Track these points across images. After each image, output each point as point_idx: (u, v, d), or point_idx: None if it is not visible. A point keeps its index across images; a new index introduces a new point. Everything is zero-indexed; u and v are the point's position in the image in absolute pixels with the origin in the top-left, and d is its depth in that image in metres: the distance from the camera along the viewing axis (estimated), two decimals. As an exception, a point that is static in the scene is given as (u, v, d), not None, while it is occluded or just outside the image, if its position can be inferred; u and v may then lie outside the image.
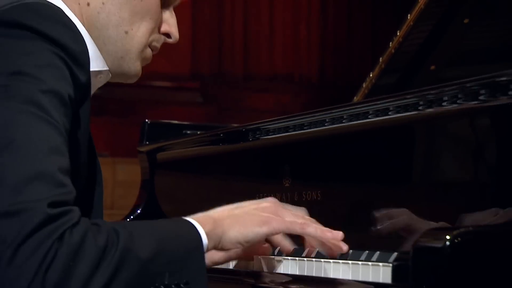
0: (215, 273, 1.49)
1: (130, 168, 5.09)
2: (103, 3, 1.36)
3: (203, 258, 1.24)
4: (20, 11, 1.20)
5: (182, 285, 1.20)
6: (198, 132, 2.22)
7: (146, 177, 2.25)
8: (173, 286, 1.19)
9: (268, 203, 1.37)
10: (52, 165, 1.14)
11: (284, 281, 1.47)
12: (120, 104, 6.15)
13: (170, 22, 1.45)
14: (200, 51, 7.26)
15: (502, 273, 1.20)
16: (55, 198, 1.12)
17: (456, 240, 1.17)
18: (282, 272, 1.48)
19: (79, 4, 1.36)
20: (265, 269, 1.50)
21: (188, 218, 1.27)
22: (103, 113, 5.97)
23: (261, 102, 7.22)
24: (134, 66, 1.42)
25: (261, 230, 1.32)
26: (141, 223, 1.27)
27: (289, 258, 1.49)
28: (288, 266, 1.47)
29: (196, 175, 2.13)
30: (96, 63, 1.37)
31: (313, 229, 1.37)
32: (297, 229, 1.37)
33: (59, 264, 1.09)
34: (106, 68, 1.39)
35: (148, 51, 1.43)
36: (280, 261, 1.49)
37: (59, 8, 1.27)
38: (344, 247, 1.38)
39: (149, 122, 2.28)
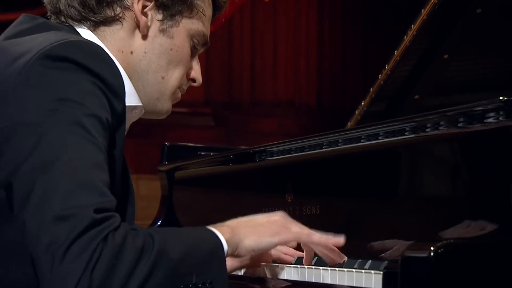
0: None
1: (151, 184, 5.08)
2: (145, 52, 1.39)
3: (224, 261, 1.24)
4: (66, 47, 1.22)
5: (207, 285, 1.20)
6: (211, 153, 2.21)
7: (165, 193, 2.24)
8: (200, 285, 1.19)
9: (277, 217, 1.37)
10: (96, 178, 1.15)
11: (284, 285, 1.47)
12: (142, 127, 6.15)
13: (196, 69, 1.48)
14: (213, 80, 7.28)
15: (479, 280, 1.20)
16: (99, 205, 1.13)
17: (439, 251, 1.16)
18: (284, 278, 1.47)
19: (122, 52, 1.39)
20: (268, 275, 1.50)
21: (209, 227, 1.28)
22: (128, 135, 5.95)
23: (266, 125, 7.22)
24: (167, 105, 1.45)
25: (273, 240, 1.33)
26: (171, 230, 1.28)
27: (291, 265, 1.49)
28: (290, 273, 1.46)
29: (209, 191, 2.13)
30: (132, 99, 1.39)
31: (318, 237, 1.38)
32: (304, 238, 1.38)
33: (104, 262, 1.10)
34: (140, 104, 1.41)
35: (178, 93, 1.46)
36: (282, 268, 1.48)
37: (100, 46, 1.30)
38: (342, 258, 1.40)
39: (168, 145, 2.27)
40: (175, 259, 1.17)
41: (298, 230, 1.37)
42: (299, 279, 1.44)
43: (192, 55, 1.46)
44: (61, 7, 1.38)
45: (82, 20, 1.37)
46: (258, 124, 7.24)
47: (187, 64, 1.44)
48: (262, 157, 1.86)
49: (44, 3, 1.42)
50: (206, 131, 6.91)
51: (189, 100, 6.90)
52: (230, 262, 1.35)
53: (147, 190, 5.59)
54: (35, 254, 1.14)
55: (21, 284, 1.20)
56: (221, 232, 1.26)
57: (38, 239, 1.12)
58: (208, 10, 1.45)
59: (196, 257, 1.20)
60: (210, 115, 7.16)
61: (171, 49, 1.41)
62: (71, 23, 1.38)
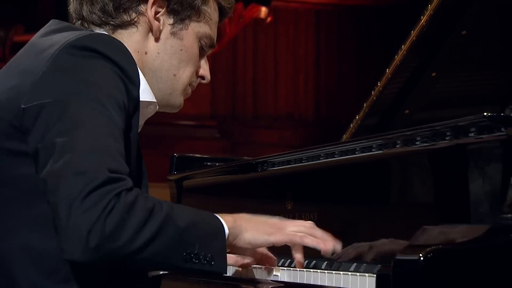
0: (218, 279, 1.50)
1: (161, 191, 5.07)
2: (158, 53, 1.44)
3: (225, 242, 1.25)
4: (91, 39, 1.28)
5: (208, 258, 1.21)
6: (217, 164, 2.21)
7: (174, 201, 2.24)
8: (201, 256, 1.20)
9: (276, 219, 1.40)
10: (112, 146, 1.19)
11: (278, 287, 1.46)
12: (153, 139, 6.15)
13: (204, 68, 1.51)
14: (218, 95, 7.29)
15: (465, 282, 1.20)
16: (114, 167, 1.16)
17: (428, 255, 1.16)
18: (279, 280, 1.47)
19: (138, 52, 1.43)
20: (263, 277, 1.49)
21: (219, 215, 1.29)
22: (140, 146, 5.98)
23: (267, 137, 7.22)
24: (179, 100, 1.49)
25: (270, 238, 1.35)
26: (180, 205, 1.30)
27: (288, 268, 1.48)
28: (288, 275, 1.45)
29: (215, 198, 2.13)
30: (147, 95, 1.42)
31: (310, 240, 1.37)
32: (297, 240, 1.38)
33: (116, 215, 1.12)
34: (154, 100, 1.44)
35: (188, 89, 1.51)
36: (277, 270, 1.47)
37: (119, 40, 1.35)
38: (336, 246, 1.38)
39: (177, 156, 2.27)
40: (181, 226, 1.19)
41: (293, 233, 1.37)
42: (298, 281, 1.43)
43: (201, 55, 1.50)
44: (84, 14, 1.43)
45: (102, 24, 1.42)
46: (259, 136, 7.24)
47: (196, 63, 1.48)
48: (264, 167, 1.86)
49: (70, 11, 1.48)
50: (211, 142, 6.91)
51: (196, 114, 6.91)
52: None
53: (157, 197, 5.58)
54: (54, 205, 1.15)
55: (52, 253, 1.22)
56: (225, 220, 1.28)
57: (56, 191, 1.14)
58: (214, 15, 1.49)
59: (200, 229, 1.22)
60: (216, 128, 7.16)
61: (181, 50, 1.45)
62: (92, 28, 1.43)
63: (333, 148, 1.63)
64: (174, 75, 1.45)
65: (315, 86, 7.55)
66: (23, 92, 1.24)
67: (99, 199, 1.12)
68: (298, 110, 7.52)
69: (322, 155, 1.66)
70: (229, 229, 1.28)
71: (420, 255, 1.16)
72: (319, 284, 1.37)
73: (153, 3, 1.42)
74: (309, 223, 1.41)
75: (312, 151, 1.69)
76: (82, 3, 1.43)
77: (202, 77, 1.51)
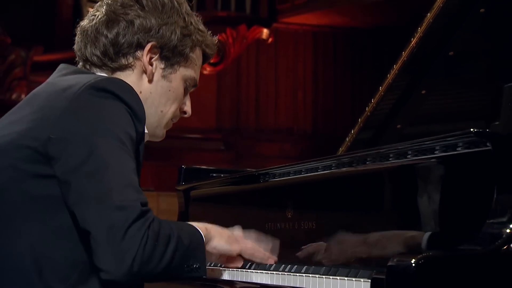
0: (198, 280, 1.59)
1: (170, 200, 5.07)
2: (150, 93, 1.52)
3: (205, 250, 1.42)
4: (107, 82, 1.38)
5: (196, 266, 1.37)
6: (222, 175, 2.21)
7: (182, 210, 2.23)
8: (193, 266, 1.36)
9: (238, 232, 1.55)
10: (135, 180, 1.33)
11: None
12: (162, 151, 6.16)
13: (187, 104, 1.60)
14: (223, 110, 7.30)
15: (453, 285, 1.19)
16: (142, 200, 1.31)
17: (420, 262, 1.16)
18: (280, 284, 1.46)
19: None
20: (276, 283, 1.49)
21: (193, 224, 1.44)
22: (150, 158, 5.97)
23: (268, 149, 7.22)
24: (162, 132, 1.58)
25: (230, 248, 1.50)
26: (178, 223, 1.46)
27: (285, 272, 1.47)
28: (297, 280, 1.45)
29: (220, 207, 2.12)
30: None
31: (256, 259, 1.55)
32: (245, 256, 1.54)
33: (150, 243, 1.28)
34: (146, 131, 1.53)
35: (170, 123, 1.59)
36: (278, 274, 1.48)
37: (129, 84, 1.44)
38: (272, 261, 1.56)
39: (184, 167, 2.27)
40: (186, 244, 1.36)
41: (244, 247, 1.52)
42: (298, 286, 1.42)
43: (185, 94, 1.59)
44: (87, 55, 1.50)
45: (102, 66, 1.50)
46: (261, 148, 7.24)
47: (180, 101, 1.57)
48: (266, 179, 1.85)
49: (74, 50, 1.56)
50: (217, 154, 6.92)
51: (202, 127, 6.92)
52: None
53: (166, 205, 5.58)
54: (95, 236, 1.29)
55: (65, 262, 1.33)
56: (200, 229, 1.43)
57: (98, 225, 1.28)
58: (199, 61, 1.58)
59: (192, 244, 1.38)
60: (221, 140, 7.16)
61: (169, 90, 1.53)
62: (93, 69, 1.51)
63: (330, 161, 1.63)
64: (161, 111, 1.54)
65: (313, 102, 7.56)
66: (48, 124, 1.34)
67: (137, 230, 1.27)
68: (297, 124, 7.53)
69: (320, 167, 1.66)
70: (204, 237, 1.43)
71: (413, 261, 1.15)
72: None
73: (149, 50, 1.49)
74: (274, 243, 1.57)
75: (311, 164, 1.68)
76: (87, 45, 1.50)
77: (184, 112, 1.61)
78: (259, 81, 7.47)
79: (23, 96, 6.45)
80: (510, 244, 1.19)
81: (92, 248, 1.30)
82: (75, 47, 1.52)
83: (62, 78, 1.44)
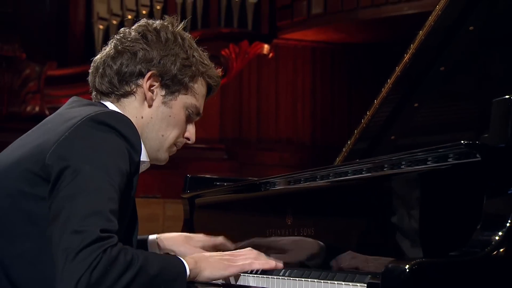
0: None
1: (176, 207, 5.07)
2: (151, 118, 1.56)
3: (185, 283, 1.41)
4: (105, 115, 1.42)
5: None
6: (225, 184, 2.20)
7: (187, 217, 2.22)
8: None
9: (228, 255, 1.54)
10: (107, 208, 1.32)
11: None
12: (170, 160, 6.16)
13: (190, 131, 1.63)
14: (226, 122, 7.31)
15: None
16: (105, 227, 1.30)
17: (413, 267, 1.15)
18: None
19: (136, 117, 1.55)
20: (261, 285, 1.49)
21: (179, 257, 1.45)
22: (156, 167, 5.96)
23: (269, 158, 7.21)
24: (164, 156, 1.61)
25: (225, 273, 1.50)
26: (153, 253, 1.49)
27: (297, 278, 1.46)
28: (296, 285, 1.44)
29: (223, 215, 2.12)
30: (145, 156, 1.56)
31: (257, 264, 1.54)
32: (247, 268, 1.53)
33: (101, 267, 1.26)
34: (148, 160, 1.58)
35: (174, 147, 1.62)
36: (289, 280, 1.47)
37: (128, 118, 1.48)
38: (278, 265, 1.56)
39: (189, 176, 2.26)
40: (152, 274, 1.33)
41: (242, 264, 1.52)
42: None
43: (189, 121, 1.62)
44: (96, 85, 1.58)
45: (109, 94, 1.56)
46: (262, 157, 7.24)
47: (182, 127, 1.60)
48: (267, 187, 1.85)
49: (88, 80, 1.62)
50: (220, 163, 6.91)
51: (206, 138, 6.92)
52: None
53: (172, 212, 5.57)
54: (55, 256, 1.30)
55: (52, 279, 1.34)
56: (187, 262, 1.43)
57: (58, 246, 1.29)
58: (201, 90, 1.61)
59: (166, 275, 1.36)
60: (224, 150, 7.16)
61: (170, 116, 1.57)
62: (103, 98, 1.57)
63: (328, 170, 1.63)
64: (162, 135, 1.57)
65: (311, 113, 7.57)
66: (47, 150, 1.37)
67: (89, 254, 1.26)
68: (296, 134, 7.53)
69: (318, 177, 1.65)
70: (190, 270, 1.42)
71: (407, 266, 1.14)
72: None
73: (148, 78, 1.54)
74: (253, 252, 1.57)
75: (309, 173, 1.68)
76: (96, 77, 1.58)
77: (188, 139, 1.63)
78: (260, 94, 7.48)
79: (37, 108, 6.46)
80: (499, 250, 1.19)
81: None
82: (89, 79, 1.60)
83: (70, 110, 1.49)
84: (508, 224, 1.19)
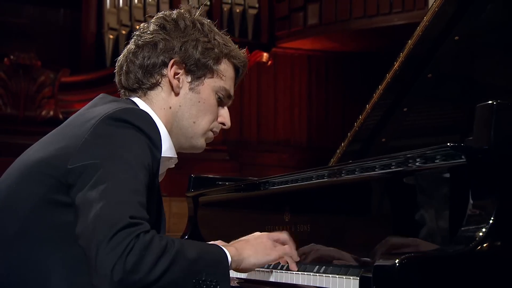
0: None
1: (181, 204, 5.05)
2: (179, 106, 1.45)
3: (228, 269, 1.27)
4: (123, 112, 1.31)
5: (214, 283, 1.22)
6: (227, 183, 2.20)
7: (191, 214, 2.21)
8: (207, 282, 1.21)
9: (265, 239, 1.41)
10: (134, 199, 1.21)
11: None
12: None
13: (224, 115, 1.51)
14: (228, 125, 7.30)
15: (432, 283, 1.18)
16: (134, 214, 1.18)
17: (403, 261, 1.15)
18: (287, 282, 1.45)
19: (163, 108, 1.45)
20: (272, 279, 1.47)
21: (223, 245, 1.33)
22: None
23: (268, 159, 7.20)
24: (200, 142, 1.49)
25: (269, 257, 1.38)
26: (190, 241, 1.32)
27: (294, 272, 1.46)
28: (293, 278, 1.44)
29: (225, 212, 2.11)
30: (170, 152, 1.45)
31: (290, 260, 1.44)
32: (288, 253, 1.43)
33: (135, 253, 1.14)
34: (175, 156, 1.47)
35: (210, 134, 1.50)
36: (289, 274, 1.46)
37: (147, 112, 1.37)
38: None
39: (193, 176, 2.25)
40: (190, 258, 1.20)
41: (282, 249, 1.42)
42: (294, 282, 1.41)
43: (221, 105, 1.50)
44: (123, 83, 1.47)
45: (137, 89, 1.45)
46: (262, 158, 7.23)
47: (214, 112, 1.47)
48: (266, 186, 1.85)
49: (114, 81, 1.51)
50: (223, 163, 6.90)
51: (216, 133, 6.91)
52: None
53: (178, 209, 5.55)
54: (86, 248, 1.18)
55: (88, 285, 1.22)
56: (228, 250, 1.30)
57: (88, 238, 1.17)
58: (228, 72, 1.48)
59: (206, 260, 1.23)
60: (226, 151, 7.15)
61: (199, 102, 1.45)
62: (131, 94, 1.46)
63: (323, 171, 1.62)
64: (194, 122, 1.46)
65: (308, 117, 7.56)
66: (69, 154, 1.27)
67: (121, 240, 1.14)
68: (293, 137, 7.52)
69: (314, 177, 1.65)
70: (232, 257, 1.29)
71: (397, 261, 1.14)
72: (312, 285, 1.35)
73: (172, 66, 1.43)
74: (283, 236, 1.45)
75: (306, 173, 1.68)
76: (121, 75, 1.47)
77: (223, 123, 1.51)
78: (260, 99, 7.48)
79: (51, 112, 6.45)
80: (483, 245, 1.18)
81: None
82: (116, 79, 1.49)
83: (91, 109, 1.37)
84: (491, 221, 1.19)
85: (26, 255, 1.26)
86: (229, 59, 1.48)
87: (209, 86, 1.46)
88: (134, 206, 1.20)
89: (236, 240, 1.40)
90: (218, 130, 1.52)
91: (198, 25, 1.46)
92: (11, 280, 1.26)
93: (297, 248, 1.60)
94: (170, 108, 1.44)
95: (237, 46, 1.50)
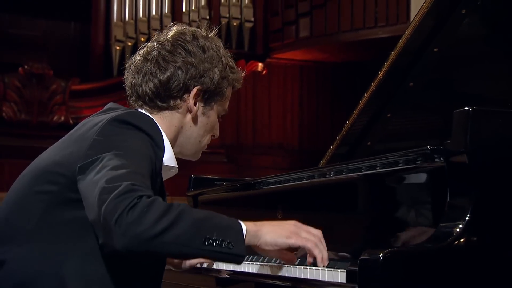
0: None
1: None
2: (190, 126, 1.46)
3: (242, 232, 1.20)
4: (128, 114, 1.32)
5: (226, 243, 1.15)
6: (224, 183, 2.20)
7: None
8: (219, 241, 1.15)
9: (292, 224, 1.30)
10: (140, 176, 1.19)
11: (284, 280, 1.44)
12: (178, 163, 6.13)
13: (216, 128, 1.52)
14: (225, 129, 7.28)
15: (415, 275, 1.18)
16: (139, 183, 1.16)
17: (386, 255, 1.15)
18: (280, 275, 1.44)
19: (175, 126, 1.45)
20: (269, 273, 1.46)
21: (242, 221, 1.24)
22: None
23: (263, 161, 7.20)
24: (198, 155, 1.52)
25: (288, 240, 1.27)
26: (214, 213, 1.22)
27: (286, 265, 1.45)
28: (285, 271, 1.43)
29: (223, 210, 2.10)
30: (171, 161, 1.43)
31: (318, 252, 1.27)
32: (309, 246, 1.27)
33: (137, 209, 1.12)
34: (176, 166, 1.46)
35: (205, 146, 1.52)
36: (281, 267, 1.45)
37: (150, 116, 1.37)
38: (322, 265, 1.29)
39: (193, 177, 2.25)
40: (198, 218, 1.15)
41: (306, 239, 1.27)
42: (287, 275, 1.41)
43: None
44: (139, 92, 1.43)
45: (150, 104, 1.42)
46: (257, 161, 7.23)
47: (214, 129, 1.51)
48: (260, 186, 1.85)
49: (125, 87, 1.46)
50: (221, 165, 6.89)
51: (209, 144, 6.91)
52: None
53: (179, 207, 5.55)
54: (94, 215, 1.16)
55: (100, 276, 1.24)
56: (246, 224, 1.23)
57: (95, 204, 1.16)
58: (229, 93, 1.51)
59: (217, 221, 1.18)
60: (224, 154, 7.15)
61: (207, 124, 1.48)
62: (143, 106, 1.43)
63: (313, 171, 1.63)
64: (199, 141, 1.48)
65: (299, 123, 7.56)
66: (79, 154, 1.27)
67: (124, 199, 1.12)
68: (286, 141, 7.52)
69: (304, 177, 1.65)
70: (248, 230, 1.21)
71: (380, 255, 1.14)
72: (302, 277, 1.35)
73: (195, 94, 1.43)
74: (318, 232, 1.30)
75: (297, 174, 1.68)
76: (138, 83, 1.42)
77: (214, 135, 1.54)
78: (255, 106, 7.49)
79: (62, 118, 6.43)
80: (460, 240, 1.18)
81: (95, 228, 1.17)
82: (128, 82, 1.44)
83: (100, 116, 1.36)
84: (467, 218, 1.19)
85: (40, 250, 1.26)
86: (233, 83, 1.50)
87: (217, 110, 1.48)
88: (139, 180, 1.17)
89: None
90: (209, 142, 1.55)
91: (216, 48, 1.44)
92: (26, 274, 1.26)
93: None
94: (182, 127, 1.45)
95: (237, 67, 1.50)
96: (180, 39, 1.43)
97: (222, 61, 1.45)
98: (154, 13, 6.83)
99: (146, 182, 1.21)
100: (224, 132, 7.25)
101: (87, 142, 1.28)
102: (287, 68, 7.53)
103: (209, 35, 1.46)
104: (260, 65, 7.06)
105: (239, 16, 7.03)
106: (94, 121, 1.35)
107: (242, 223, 1.22)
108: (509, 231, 1.21)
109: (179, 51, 1.41)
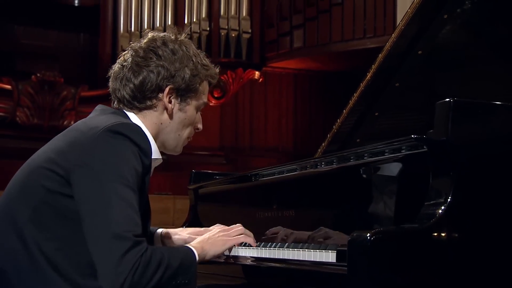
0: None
1: (184, 201, 5.02)
2: (169, 122, 1.51)
3: (196, 268, 1.39)
4: (120, 126, 1.37)
5: (186, 281, 1.34)
6: (222, 177, 2.19)
7: (192, 203, 2.21)
8: (183, 282, 1.34)
9: (220, 230, 1.51)
10: (134, 214, 1.30)
11: (275, 262, 1.43)
12: (177, 164, 6.11)
13: (198, 121, 1.56)
14: (224, 133, 7.29)
15: (400, 255, 1.18)
16: (137, 232, 1.29)
17: (374, 236, 1.15)
18: (274, 257, 1.44)
19: (155, 123, 1.51)
20: (259, 255, 1.46)
21: (189, 246, 1.42)
22: (168, 169, 5.94)
23: (260, 163, 7.16)
24: (180, 148, 1.56)
25: (224, 247, 1.49)
26: (170, 248, 1.47)
27: (276, 248, 1.46)
28: (280, 253, 1.43)
29: (222, 201, 2.11)
30: (156, 154, 1.50)
31: (250, 240, 1.52)
32: (242, 240, 1.51)
33: (141, 269, 1.28)
34: (160, 157, 1.52)
35: (186, 140, 1.57)
36: (272, 249, 1.45)
37: (139, 126, 1.42)
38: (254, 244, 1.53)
39: (194, 171, 2.26)
40: (175, 266, 1.33)
41: (236, 237, 1.50)
42: (281, 257, 1.41)
43: (197, 111, 1.55)
44: (119, 97, 1.50)
45: (130, 106, 1.49)
46: (255, 162, 7.22)
47: (193, 123, 1.55)
48: (256, 178, 1.85)
49: (110, 90, 1.53)
50: (220, 167, 6.88)
51: (208, 146, 6.91)
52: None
53: (181, 206, 5.54)
54: (95, 256, 1.29)
55: (81, 261, 1.34)
56: (195, 248, 1.41)
57: (98, 247, 1.28)
58: (206, 88, 1.55)
59: (184, 265, 1.35)
60: (223, 156, 7.15)
61: (185, 118, 1.52)
62: (124, 108, 1.50)
63: (306, 162, 1.63)
64: (179, 135, 1.53)
65: (293, 127, 7.57)
66: (72, 157, 1.34)
67: (131, 258, 1.26)
68: (281, 144, 7.53)
69: (298, 169, 1.65)
70: (198, 255, 1.40)
71: (368, 235, 1.14)
72: (296, 258, 1.35)
73: (168, 93, 1.48)
74: (239, 226, 1.54)
75: (290, 166, 1.68)
76: (117, 89, 1.49)
77: (197, 128, 1.57)
78: (252, 111, 7.49)
79: (72, 122, 6.44)
80: (443, 220, 1.19)
81: (97, 271, 1.29)
82: (110, 88, 1.51)
83: (94, 117, 1.43)
84: (449, 199, 1.19)
85: (33, 239, 1.33)
86: (207, 79, 1.54)
87: (193, 105, 1.52)
88: (135, 222, 1.29)
89: (200, 237, 1.51)
90: (192, 136, 1.58)
91: (185, 49, 1.49)
92: (17, 262, 1.33)
93: (281, 231, 1.60)
94: (161, 123, 1.50)
95: (211, 63, 1.55)
96: (152, 45, 1.48)
97: (192, 61, 1.49)
98: (158, 25, 6.85)
99: (137, 211, 1.31)
100: (224, 135, 7.26)
101: (82, 147, 1.34)
102: (282, 76, 7.55)
103: (179, 38, 1.51)
104: (257, 73, 7.08)
105: (238, 28, 7.06)
106: (88, 124, 1.39)
107: (195, 252, 1.40)
108: (487, 211, 1.22)
109: (151, 56, 1.47)
